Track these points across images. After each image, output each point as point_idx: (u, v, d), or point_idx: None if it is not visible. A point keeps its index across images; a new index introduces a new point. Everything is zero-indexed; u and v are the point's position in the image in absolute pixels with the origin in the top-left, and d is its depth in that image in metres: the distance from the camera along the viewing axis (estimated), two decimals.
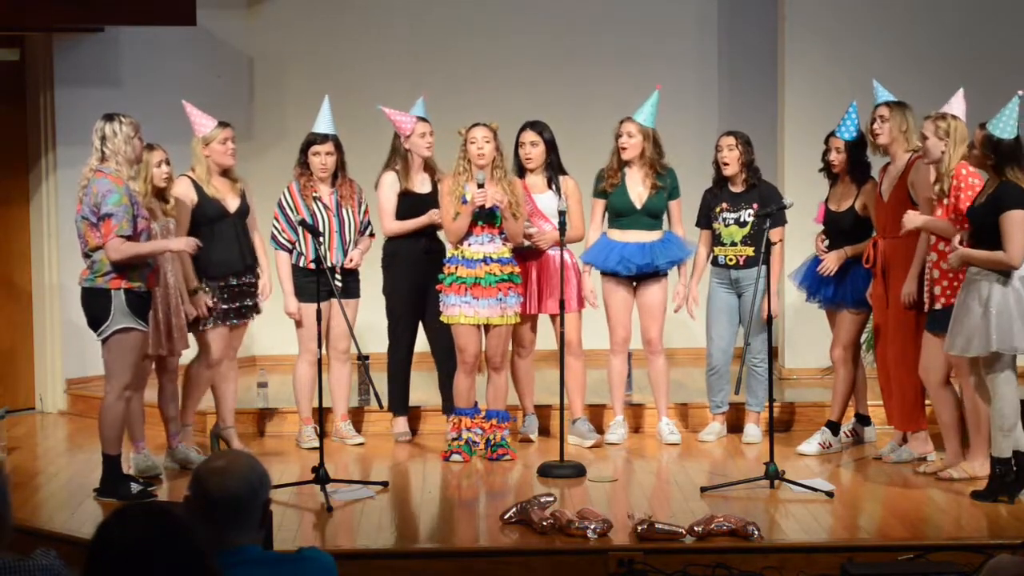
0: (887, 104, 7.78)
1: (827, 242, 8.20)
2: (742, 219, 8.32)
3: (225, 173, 8.08)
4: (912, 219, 7.37)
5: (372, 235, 8.51)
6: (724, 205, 8.36)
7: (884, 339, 7.84)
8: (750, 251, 8.28)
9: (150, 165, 7.61)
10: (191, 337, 7.97)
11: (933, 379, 7.44)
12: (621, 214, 8.38)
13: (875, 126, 7.81)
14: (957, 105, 7.53)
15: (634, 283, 8.40)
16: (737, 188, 8.37)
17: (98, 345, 7.24)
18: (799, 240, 8.73)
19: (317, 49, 10.57)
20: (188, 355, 8.06)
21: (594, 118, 9.54)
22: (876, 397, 8.21)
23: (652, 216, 8.37)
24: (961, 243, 7.02)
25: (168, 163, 7.73)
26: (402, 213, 8.44)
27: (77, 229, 7.23)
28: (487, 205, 7.88)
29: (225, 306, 7.97)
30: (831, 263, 8.10)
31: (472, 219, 7.92)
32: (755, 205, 8.26)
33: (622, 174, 8.38)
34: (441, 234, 8.40)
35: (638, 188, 8.36)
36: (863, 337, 8.44)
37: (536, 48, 10.60)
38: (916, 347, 7.71)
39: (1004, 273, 6.86)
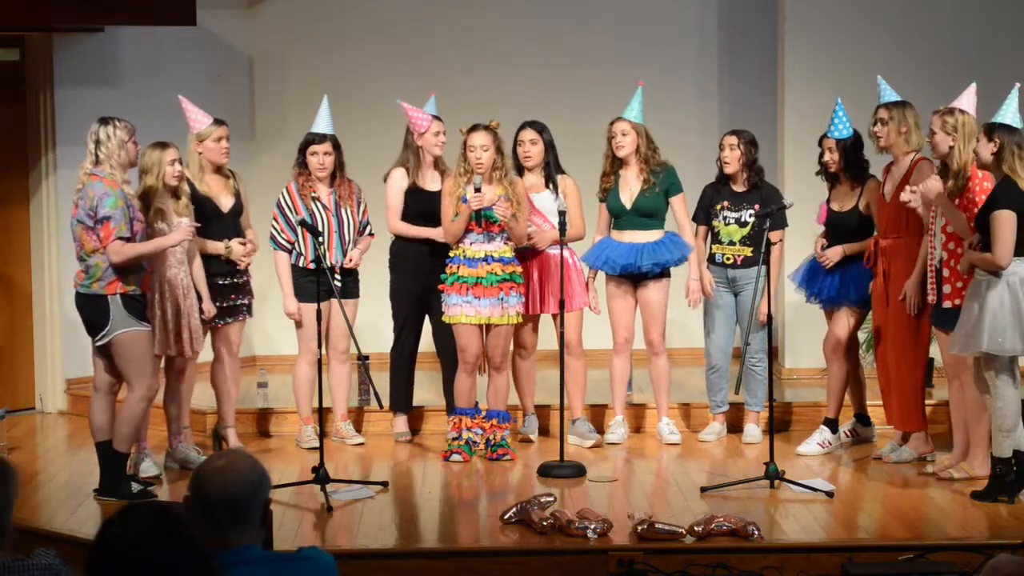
0: (886, 106, 7.74)
1: (826, 244, 8.18)
2: (743, 219, 8.31)
3: (218, 171, 8.07)
4: (929, 186, 7.22)
5: (372, 235, 8.50)
6: (725, 203, 8.35)
7: (884, 339, 7.83)
8: (748, 251, 8.28)
9: (162, 163, 7.56)
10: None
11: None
12: (616, 215, 8.39)
13: (875, 128, 7.78)
14: (968, 100, 7.39)
15: (635, 285, 8.40)
16: (739, 187, 8.36)
17: None
18: (799, 240, 8.72)
19: (317, 49, 10.57)
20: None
21: (594, 120, 9.49)
22: (876, 397, 8.21)
23: (645, 216, 8.34)
24: (970, 247, 7.00)
25: (180, 162, 7.68)
26: (410, 209, 8.42)
27: (72, 233, 7.22)
28: (487, 207, 7.87)
29: (217, 305, 7.95)
30: (831, 255, 8.07)
31: (473, 217, 7.92)
32: (756, 206, 8.25)
33: (616, 176, 8.39)
34: None
35: (630, 188, 8.36)
36: (863, 337, 8.43)
37: (535, 50, 10.59)
38: (916, 347, 7.71)
39: (995, 274, 6.85)
